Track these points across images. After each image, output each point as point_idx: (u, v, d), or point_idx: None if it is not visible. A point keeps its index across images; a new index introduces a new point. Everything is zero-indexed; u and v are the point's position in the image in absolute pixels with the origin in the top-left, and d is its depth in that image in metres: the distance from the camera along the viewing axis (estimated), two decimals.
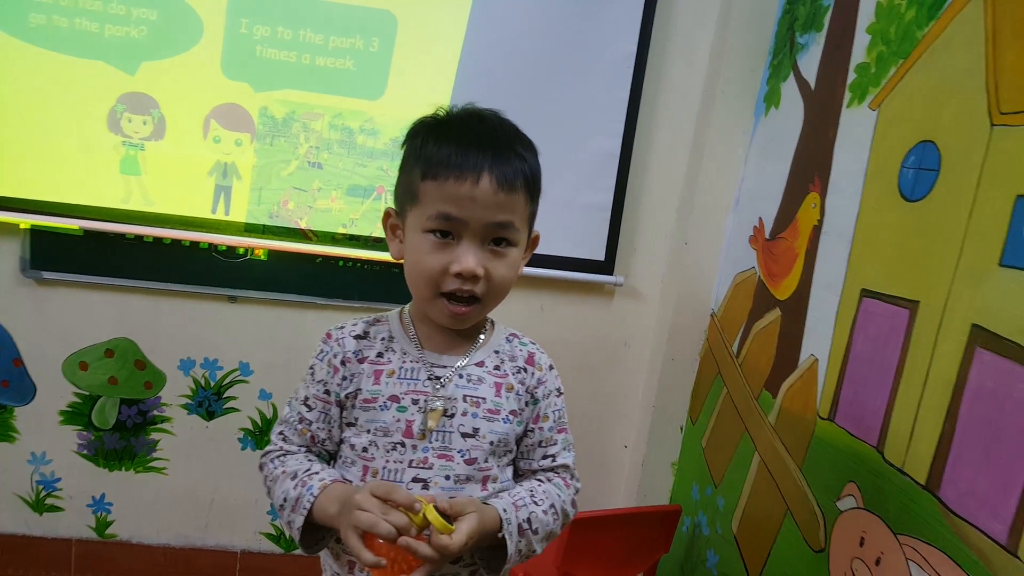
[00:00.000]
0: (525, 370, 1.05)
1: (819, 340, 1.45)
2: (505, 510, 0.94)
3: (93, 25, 1.77)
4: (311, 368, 1.02)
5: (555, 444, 1.06)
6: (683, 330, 2.02)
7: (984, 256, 1.05)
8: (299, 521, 0.93)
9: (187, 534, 2.11)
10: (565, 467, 1.08)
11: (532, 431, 1.05)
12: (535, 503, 0.99)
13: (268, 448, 1.04)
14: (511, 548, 0.93)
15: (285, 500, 0.95)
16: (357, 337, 1.01)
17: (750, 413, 1.69)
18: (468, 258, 0.91)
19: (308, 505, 0.92)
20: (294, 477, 0.96)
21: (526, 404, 1.04)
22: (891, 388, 1.22)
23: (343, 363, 1.00)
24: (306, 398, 1.01)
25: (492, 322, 1.08)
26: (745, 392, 1.73)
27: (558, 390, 1.08)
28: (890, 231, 1.28)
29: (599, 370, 2.15)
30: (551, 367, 1.08)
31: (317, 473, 0.96)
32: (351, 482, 0.97)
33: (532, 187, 0.97)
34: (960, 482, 1.05)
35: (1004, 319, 1.00)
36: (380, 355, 1.00)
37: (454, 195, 0.90)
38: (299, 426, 1.01)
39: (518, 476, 1.08)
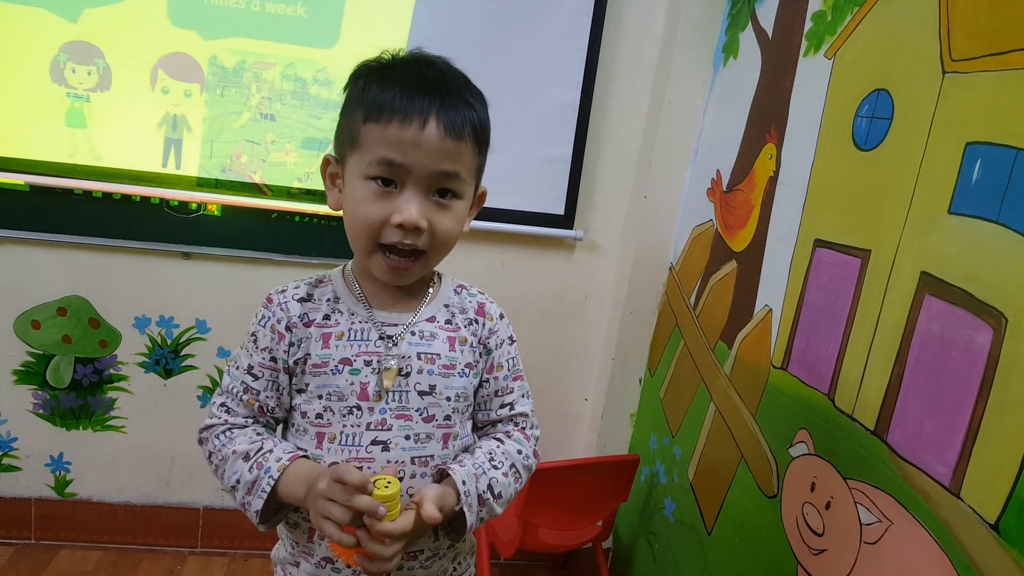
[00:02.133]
0: (476, 321, 1.03)
1: (773, 291, 1.46)
2: (464, 481, 0.93)
3: None
4: (253, 335, 0.96)
5: (511, 392, 1.06)
6: (642, 283, 2.03)
7: (934, 204, 1.05)
8: (257, 504, 0.90)
9: (148, 492, 2.10)
10: (524, 415, 1.07)
11: (488, 381, 1.04)
12: (494, 467, 0.98)
13: (210, 422, 0.98)
14: (470, 519, 0.93)
15: (239, 482, 0.92)
16: (301, 300, 0.97)
17: (706, 364, 1.71)
18: (411, 208, 0.87)
19: (268, 488, 0.89)
20: (247, 458, 0.92)
21: (480, 355, 1.03)
22: (842, 336, 1.24)
23: (288, 328, 0.95)
24: (250, 367, 0.96)
25: (438, 275, 1.05)
26: (702, 344, 1.75)
27: (510, 338, 1.07)
28: (844, 181, 1.28)
29: (560, 324, 2.16)
30: (501, 316, 1.06)
31: (271, 451, 0.92)
32: (306, 452, 0.94)
33: (480, 137, 0.93)
34: (907, 427, 1.07)
35: (952, 266, 1.01)
36: (327, 317, 0.96)
37: (398, 139, 0.86)
38: (244, 396, 0.96)
39: (477, 428, 1.07)
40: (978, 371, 0.95)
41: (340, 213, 0.96)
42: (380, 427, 0.94)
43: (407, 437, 0.95)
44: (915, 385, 1.06)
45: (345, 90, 0.96)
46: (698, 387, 1.74)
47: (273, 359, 0.96)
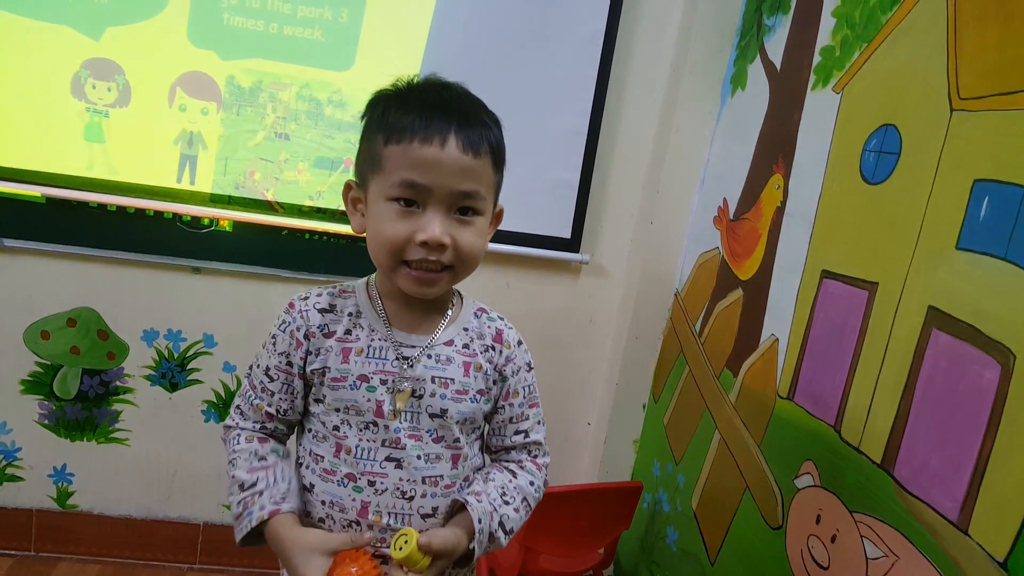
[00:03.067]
0: (493, 348, 1.04)
1: (780, 320, 1.47)
2: (480, 519, 0.95)
3: None
4: (273, 337, 1.00)
5: (527, 419, 1.07)
6: (647, 308, 2.03)
7: (941, 239, 1.06)
8: (239, 535, 0.94)
9: (149, 505, 2.09)
10: (538, 444, 1.09)
11: (502, 408, 1.05)
12: (506, 503, 1.00)
13: (227, 422, 1.03)
14: (478, 553, 0.96)
15: (232, 503, 0.96)
16: (322, 311, 0.99)
17: (711, 392, 1.71)
18: (434, 226, 0.89)
19: (246, 530, 0.93)
20: (241, 488, 0.95)
21: (494, 383, 1.04)
22: (849, 368, 1.24)
23: (306, 336, 0.98)
24: (267, 368, 1.00)
25: (460, 296, 1.06)
26: (707, 371, 1.75)
27: (528, 364, 1.08)
28: (851, 213, 1.29)
29: (564, 347, 2.17)
30: (520, 343, 1.07)
31: (260, 493, 0.94)
32: (292, 508, 0.95)
33: (497, 155, 0.95)
34: (914, 461, 1.07)
35: (959, 301, 1.02)
36: (348, 332, 0.98)
37: (419, 159, 0.88)
38: (257, 400, 1.00)
39: (490, 452, 1.09)
40: (986, 407, 0.95)
41: (363, 235, 0.98)
42: (394, 445, 0.96)
43: (419, 456, 0.97)
44: (922, 419, 1.06)
45: (363, 118, 0.98)
46: (703, 415, 1.74)
47: (289, 363, 0.99)
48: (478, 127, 0.91)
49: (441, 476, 0.99)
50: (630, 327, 2.05)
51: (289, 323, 0.99)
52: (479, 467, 1.06)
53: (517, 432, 1.07)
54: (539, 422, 1.09)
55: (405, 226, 0.89)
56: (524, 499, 1.03)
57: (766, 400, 1.47)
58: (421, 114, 0.89)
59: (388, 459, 0.96)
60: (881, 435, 1.14)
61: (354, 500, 0.96)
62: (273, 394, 1.00)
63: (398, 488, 0.96)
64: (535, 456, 1.09)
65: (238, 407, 1.03)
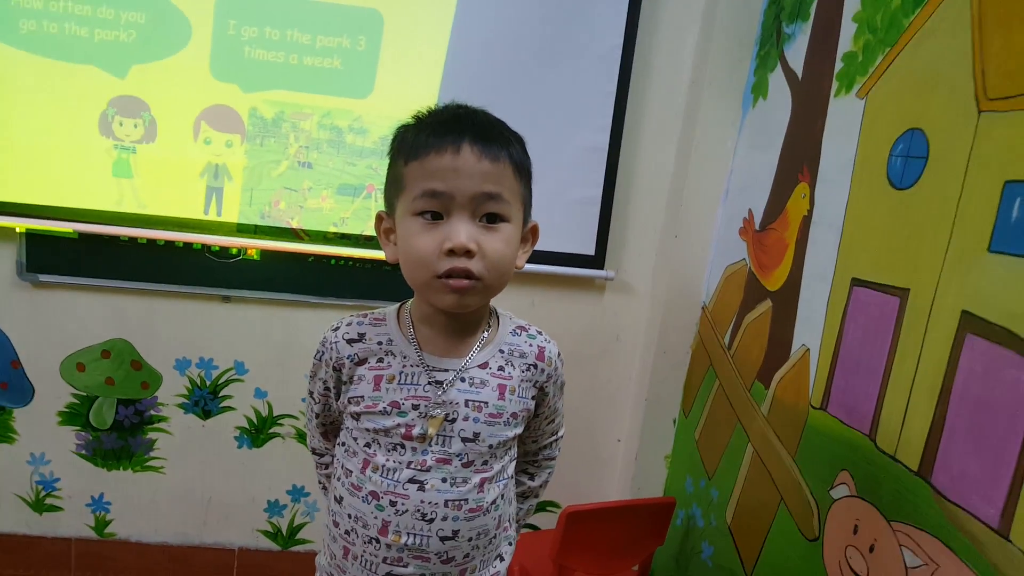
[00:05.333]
0: (535, 366, 1.04)
1: (811, 330, 1.45)
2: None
3: (83, 30, 1.78)
4: (313, 367, 1.07)
5: (557, 412, 1.15)
6: (674, 323, 2.02)
7: (973, 242, 1.05)
8: None
9: (185, 532, 2.12)
10: (561, 437, 1.21)
11: (541, 413, 1.10)
12: (518, 529, 1.17)
13: (308, 444, 1.20)
14: None
15: None
16: (351, 340, 1.00)
17: (743, 404, 1.70)
18: (459, 232, 0.88)
19: None
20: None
21: (532, 398, 1.04)
22: (883, 376, 1.22)
23: (337, 368, 1.01)
24: (311, 392, 1.09)
25: (497, 316, 1.05)
26: (737, 383, 1.73)
27: (561, 371, 1.12)
28: (880, 219, 1.28)
29: (591, 364, 2.16)
30: (559, 354, 1.09)
31: None
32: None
33: (519, 165, 0.94)
34: (952, 468, 1.05)
35: (993, 305, 1.00)
36: (380, 360, 0.99)
37: (436, 168, 0.88)
38: (313, 424, 1.13)
39: (522, 448, 1.14)
40: None
41: (397, 262, 0.97)
42: (420, 467, 0.97)
43: (443, 480, 0.97)
44: (959, 425, 1.05)
45: (389, 155, 0.99)
46: (735, 428, 1.72)
47: (326, 388, 1.05)
48: (494, 138, 0.91)
49: (465, 500, 0.98)
50: (658, 342, 2.04)
51: (323, 353, 1.03)
52: (508, 483, 1.06)
53: (548, 423, 1.14)
54: (562, 408, 1.17)
55: (432, 238, 0.89)
56: (531, 508, 1.22)
57: (799, 411, 1.45)
58: (435, 130, 0.90)
59: (411, 481, 0.97)
60: (917, 443, 1.12)
61: (376, 518, 0.97)
62: (319, 414, 1.10)
63: (418, 510, 0.96)
64: (555, 452, 1.20)
65: (309, 430, 1.17)
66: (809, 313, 1.47)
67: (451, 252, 0.88)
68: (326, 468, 1.17)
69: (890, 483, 1.17)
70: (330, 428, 1.12)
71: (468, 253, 0.88)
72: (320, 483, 1.21)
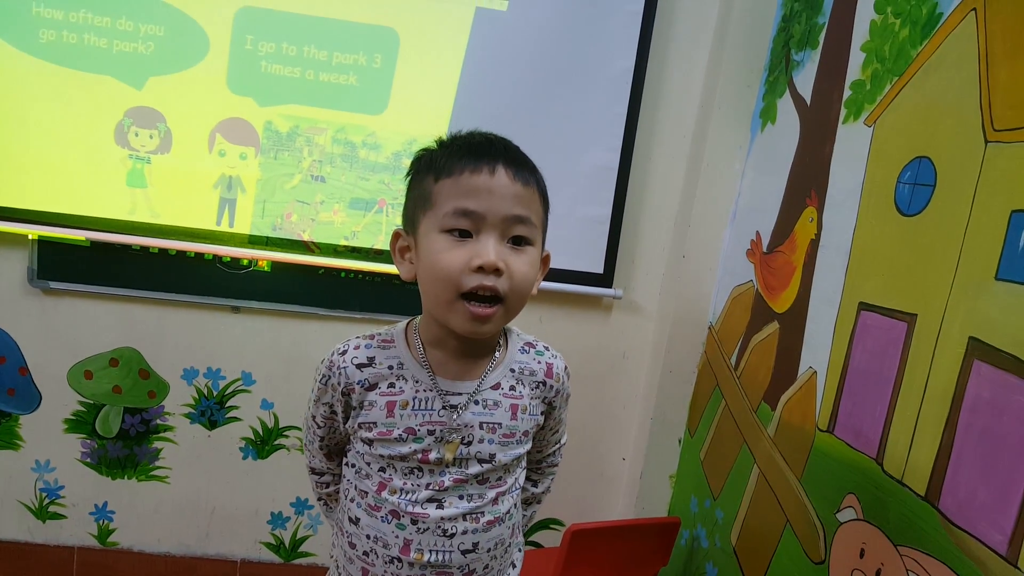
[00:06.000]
0: (544, 384, 1.05)
1: (818, 353, 1.46)
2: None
3: (102, 41, 1.80)
4: (315, 392, 1.04)
5: (562, 423, 1.15)
6: (681, 343, 2.03)
7: (980, 270, 1.06)
8: None
9: (188, 543, 2.12)
10: (564, 444, 1.22)
11: (547, 425, 1.10)
12: (523, 535, 1.17)
13: (306, 463, 1.17)
14: None
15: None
16: (360, 365, 0.99)
17: (749, 425, 1.70)
18: (489, 250, 0.88)
19: None
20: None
21: (541, 413, 1.05)
22: (890, 400, 1.23)
23: (346, 393, 0.99)
24: (314, 416, 1.06)
25: (506, 334, 1.06)
26: (744, 405, 1.74)
27: (568, 378, 1.12)
28: (887, 245, 1.29)
29: (598, 382, 2.17)
30: (566, 369, 1.10)
31: None
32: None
33: (544, 194, 0.97)
34: (959, 493, 1.05)
35: (1001, 332, 1.01)
36: (392, 385, 0.98)
37: (471, 187, 0.89)
38: (316, 446, 1.10)
39: (529, 459, 1.15)
40: None
41: (413, 281, 0.97)
42: (438, 488, 0.98)
43: (461, 497, 0.99)
44: (966, 451, 1.05)
45: (407, 176, 0.99)
46: (740, 449, 1.73)
47: (332, 412, 1.03)
48: (526, 163, 0.94)
49: (482, 512, 1.00)
50: (664, 361, 2.04)
51: (329, 377, 1.00)
52: (519, 492, 1.08)
53: (553, 432, 1.14)
54: (565, 424, 1.18)
55: (460, 254, 0.89)
56: (535, 513, 1.25)
57: (805, 433, 1.46)
58: (470, 151, 0.91)
59: (430, 500, 0.97)
60: (925, 467, 1.13)
61: (397, 537, 0.98)
62: (323, 438, 1.08)
63: (439, 527, 0.97)
64: (558, 455, 1.21)
65: (305, 445, 1.15)
66: (816, 336, 1.48)
67: (479, 269, 0.88)
68: (327, 486, 1.16)
69: (897, 507, 1.17)
70: (334, 449, 1.11)
71: (497, 271, 0.88)
72: (320, 499, 1.19)
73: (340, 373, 0.99)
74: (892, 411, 1.22)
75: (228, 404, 2.06)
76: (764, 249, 1.75)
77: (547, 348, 1.09)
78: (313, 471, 1.15)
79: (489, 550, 1.01)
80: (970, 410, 1.05)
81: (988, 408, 1.02)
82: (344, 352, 1.00)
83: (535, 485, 1.21)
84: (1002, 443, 0.99)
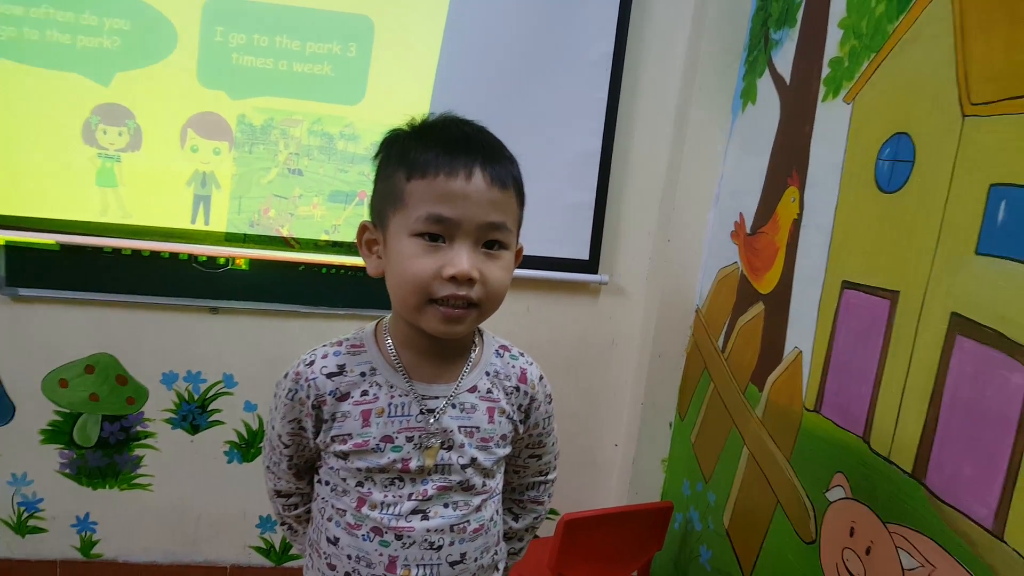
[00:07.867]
0: (518, 389, 1.01)
1: (803, 333, 1.46)
2: None
3: (65, 37, 1.76)
4: (279, 409, 0.97)
5: (543, 447, 1.09)
6: (669, 326, 2.03)
7: (961, 245, 1.06)
8: None
9: (175, 551, 2.09)
10: (551, 482, 1.15)
11: (522, 438, 1.05)
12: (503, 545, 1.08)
13: (267, 485, 1.08)
14: None
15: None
16: (330, 375, 0.94)
17: (737, 407, 1.70)
18: (462, 260, 0.84)
19: None
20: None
21: (520, 422, 1.02)
22: (875, 378, 1.23)
23: (316, 406, 0.94)
24: (280, 435, 0.99)
25: (481, 335, 1.03)
26: (732, 386, 1.74)
27: (548, 397, 1.06)
28: (868, 223, 1.29)
29: (587, 369, 2.16)
30: (541, 378, 1.05)
31: None
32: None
33: (520, 191, 0.93)
34: (945, 469, 1.06)
35: (982, 307, 1.01)
36: (365, 393, 0.93)
37: (445, 192, 0.83)
38: (283, 467, 1.03)
39: (507, 484, 1.09)
40: (1015, 412, 0.94)
41: (379, 276, 0.93)
42: (421, 497, 0.94)
43: (446, 505, 0.95)
44: (951, 426, 1.06)
45: (376, 157, 0.94)
46: (730, 431, 1.73)
47: (302, 428, 0.97)
48: (503, 162, 0.89)
49: (468, 521, 0.97)
50: (652, 346, 2.04)
51: (296, 391, 0.95)
52: (499, 497, 1.05)
53: (532, 456, 1.08)
54: (554, 456, 1.12)
55: (432, 261, 0.84)
56: (523, 548, 1.18)
57: (793, 414, 1.46)
58: (445, 148, 0.85)
59: (414, 512, 0.94)
60: (911, 444, 1.13)
61: (381, 555, 0.93)
62: (291, 457, 1.02)
63: (425, 540, 0.94)
64: (544, 501, 1.15)
65: (268, 469, 1.06)
66: (801, 316, 1.48)
67: (452, 279, 0.84)
68: (295, 508, 1.08)
69: (885, 485, 1.18)
70: (304, 467, 1.04)
71: (470, 281, 0.85)
72: (285, 524, 1.11)
73: (309, 385, 0.93)
74: (877, 389, 1.22)
75: (210, 407, 2.02)
76: (748, 230, 1.75)
77: (522, 354, 1.05)
78: (279, 494, 1.07)
79: (476, 559, 0.99)
80: (954, 386, 1.06)
81: (971, 383, 1.02)
82: (311, 363, 0.95)
83: (515, 519, 1.14)
84: (986, 418, 0.99)
